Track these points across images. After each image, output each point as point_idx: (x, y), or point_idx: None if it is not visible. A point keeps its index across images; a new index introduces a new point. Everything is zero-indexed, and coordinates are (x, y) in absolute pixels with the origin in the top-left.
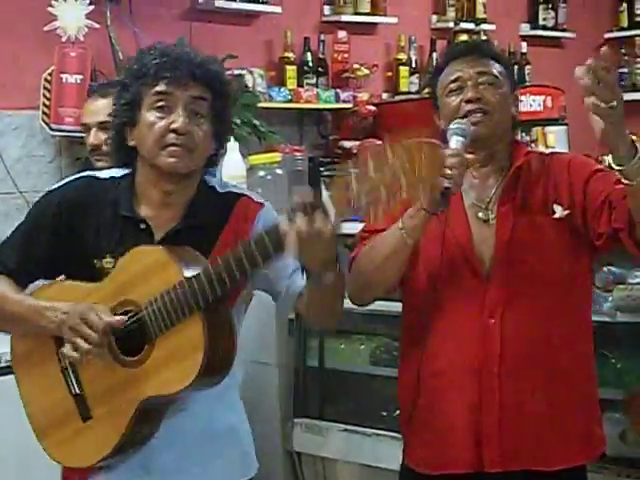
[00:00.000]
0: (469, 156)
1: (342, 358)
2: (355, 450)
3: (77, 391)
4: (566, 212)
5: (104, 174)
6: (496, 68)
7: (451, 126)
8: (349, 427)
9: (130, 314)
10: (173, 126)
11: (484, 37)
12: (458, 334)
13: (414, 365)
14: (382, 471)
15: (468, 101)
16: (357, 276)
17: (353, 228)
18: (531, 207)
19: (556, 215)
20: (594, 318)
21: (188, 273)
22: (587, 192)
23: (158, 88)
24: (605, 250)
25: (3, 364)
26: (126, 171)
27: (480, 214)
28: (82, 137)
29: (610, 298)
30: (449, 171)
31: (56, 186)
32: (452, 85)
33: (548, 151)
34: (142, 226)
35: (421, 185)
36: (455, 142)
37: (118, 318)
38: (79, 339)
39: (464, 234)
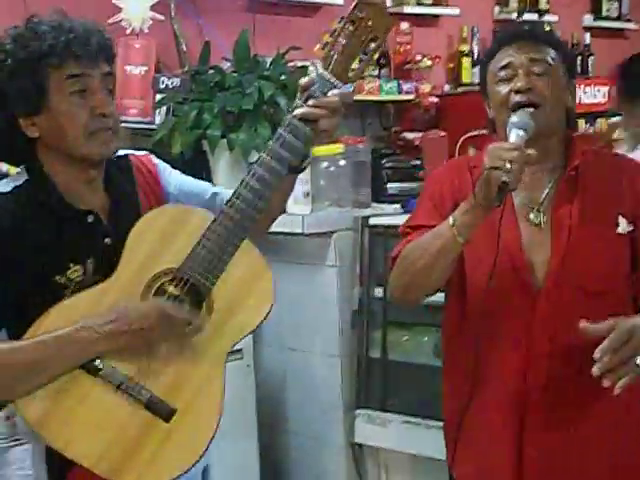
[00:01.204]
0: (530, 151)
1: (405, 350)
2: (417, 442)
3: (149, 394)
4: (630, 228)
5: (5, 187)
6: (551, 55)
7: (512, 119)
8: (411, 419)
9: (173, 284)
10: (100, 110)
11: (547, 28)
12: (503, 358)
13: (459, 385)
14: (443, 463)
15: (518, 91)
16: (400, 275)
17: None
18: (591, 215)
19: (619, 230)
20: None
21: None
22: None
23: (73, 70)
24: None
25: None
26: (19, 173)
27: (532, 216)
28: (146, 129)
29: None
30: (508, 165)
31: None
32: (502, 73)
33: (615, 151)
34: (90, 219)
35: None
36: (515, 136)
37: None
38: (167, 333)
39: (513, 238)
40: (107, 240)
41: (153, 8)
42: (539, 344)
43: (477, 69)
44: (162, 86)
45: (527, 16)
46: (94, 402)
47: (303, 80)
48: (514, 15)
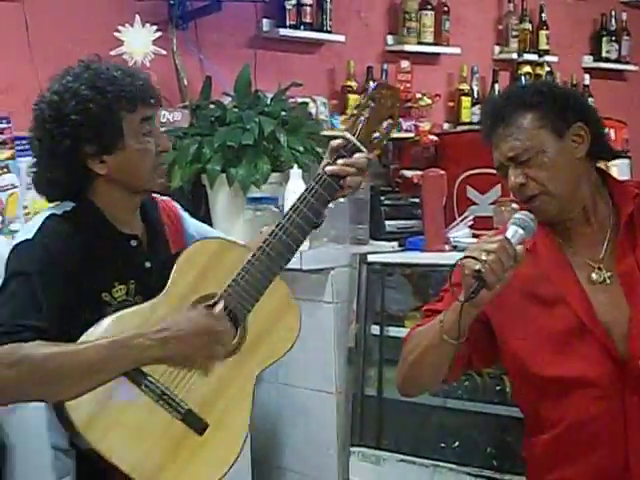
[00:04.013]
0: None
1: None
2: None
3: (186, 407)
4: None
5: (57, 210)
6: (530, 124)
7: (516, 215)
8: (406, 457)
9: (215, 307)
10: (162, 148)
11: (547, 69)
12: (587, 431)
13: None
14: None
15: (515, 189)
16: (401, 363)
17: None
18: None
19: None
20: None
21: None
22: None
23: (145, 114)
24: None
25: None
26: (63, 202)
27: (594, 276)
28: None
29: None
30: (484, 256)
31: (34, 232)
32: (500, 171)
33: None
34: (133, 243)
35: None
36: (512, 232)
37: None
38: (219, 338)
39: (580, 300)
40: (147, 264)
41: (155, 42)
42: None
43: (476, 108)
44: (163, 120)
45: (527, 56)
46: (136, 410)
47: (334, 142)
48: (514, 55)
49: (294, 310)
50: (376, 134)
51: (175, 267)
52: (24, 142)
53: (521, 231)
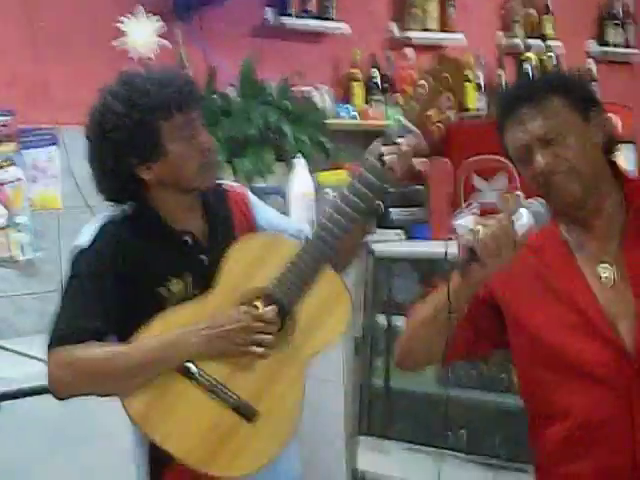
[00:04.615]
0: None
1: (408, 378)
2: (419, 469)
3: (237, 398)
4: None
5: (115, 214)
6: (557, 106)
7: (530, 202)
8: (413, 446)
9: (264, 300)
10: (206, 146)
11: (551, 54)
12: (595, 433)
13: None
14: None
15: (542, 173)
16: (400, 335)
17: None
18: None
19: None
20: None
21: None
22: None
23: (180, 119)
24: None
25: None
26: (119, 206)
27: (599, 270)
28: None
29: None
30: (481, 229)
31: (90, 239)
32: (520, 154)
33: None
34: (187, 239)
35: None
36: (519, 214)
37: (269, 308)
38: (257, 335)
39: (585, 296)
40: (203, 258)
41: (159, 34)
42: None
43: (482, 95)
44: None
45: (531, 42)
46: (188, 401)
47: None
48: (518, 40)
49: (345, 300)
50: (434, 112)
51: (224, 261)
52: (28, 135)
53: (530, 216)
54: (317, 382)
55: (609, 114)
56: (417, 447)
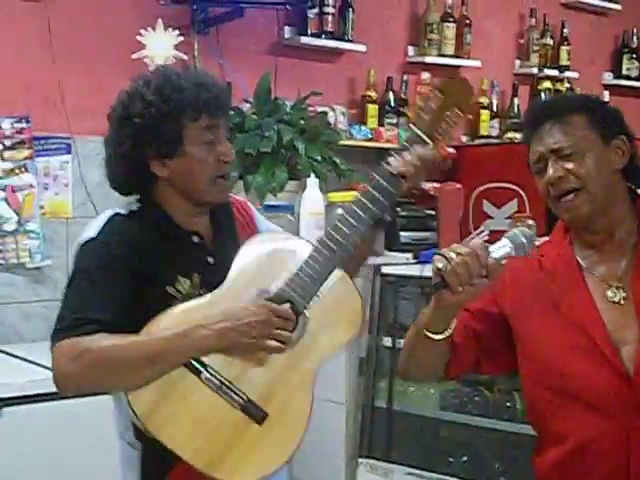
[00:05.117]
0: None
1: (411, 401)
2: None
3: (246, 397)
4: None
5: (123, 209)
6: (578, 125)
7: (512, 230)
8: (415, 470)
9: (276, 299)
10: (225, 158)
11: (567, 85)
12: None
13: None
14: None
15: (551, 183)
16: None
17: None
18: None
19: None
20: None
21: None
22: None
23: (207, 122)
24: None
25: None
26: (132, 201)
27: (609, 293)
28: None
29: None
30: (453, 255)
31: (97, 231)
32: (536, 166)
33: None
34: (195, 239)
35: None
36: (498, 243)
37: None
38: (275, 330)
39: (591, 319)
40: (210, 259)
41: (176, 47)
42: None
43: (495, 122)
44: None
45: (547, 71)
46: (196, 401)
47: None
48: (534, 70)
49: (356, 301)
50: (443, 125)
51: (236, 260)
52: (42, 142)
53: (509, 245)
54: (319, 401)
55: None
56: (418, 472)
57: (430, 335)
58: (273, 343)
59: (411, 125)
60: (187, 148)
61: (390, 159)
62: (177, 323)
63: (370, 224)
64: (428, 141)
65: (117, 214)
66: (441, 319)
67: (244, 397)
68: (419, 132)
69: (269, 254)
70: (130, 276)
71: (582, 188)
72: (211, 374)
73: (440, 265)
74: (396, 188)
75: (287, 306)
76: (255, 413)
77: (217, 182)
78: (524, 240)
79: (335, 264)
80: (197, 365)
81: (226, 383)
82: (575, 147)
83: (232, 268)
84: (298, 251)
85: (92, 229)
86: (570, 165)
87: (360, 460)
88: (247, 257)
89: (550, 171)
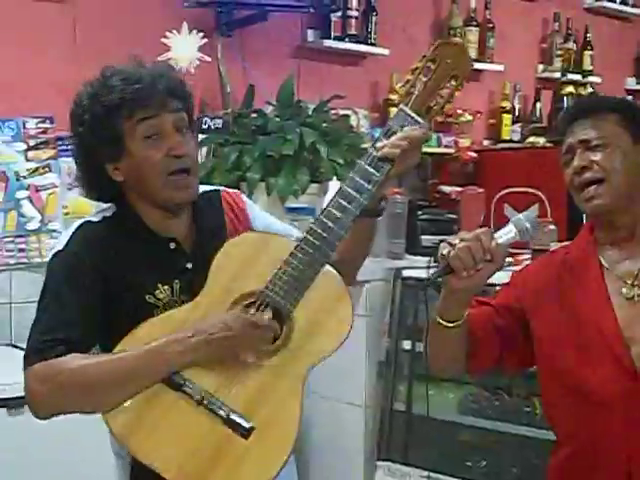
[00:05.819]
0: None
1: (430, 404)
2: None
3: (229, 410)
4: None
5: (95, 217)
6: (610, 122)
7: (518, 215)
8: (432, 474)
9: (257, 304)
10: (174, 152)
11: (590, 89)
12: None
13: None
14: None
15: (576, 172)
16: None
17: None
18: None
19: None
20: None
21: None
22: None
23: (142, 115)
24: None
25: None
26: (108, 207)
27: (624, 290)
28: None
29: None
30: (457, 241)
31: (64, 244)
32: (565, 157)
33: None
34: (172, 245)
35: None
36: (504, 228)
37: (263, 312)
38: (251, 341)
39: (604, 314)
40: (188, 265)
41: (200, 49)
42: None
43: (517, 126)
44: (204, 126)
45: (570, 76)
46: (176, 416)
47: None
48: (557, 74)
49: (345, 301)
50: (436, 100)
51: (213, 264)
52: (66, 142)
53: (514, 231)
54: (339, 404)
55: None
56: (436, 475)
57: (443, 323)
58: (250, 355)
59: (401, 105)
60: (130, 147)
61: (377, 143)
62: (154, 336)
63: (357, 215)
64: (420, 120)
65: (88, 222)
66: (452, 307)
67: (227, 410)
68: (409, 111)
69: (247, 254)
70: (103, 284)
71: (605, 180)
72: (190, 388)
73: (444, 251)
74: (382, 173)
75: (268, 313)
76: (240, 427)
77: (171, 179)
78: (527, 225)
79: (321, 261)
80: (177, 379)
81: (207, 397)
82: (603, 139)
83: (210, 271)
84: (280, 249)
85: (62, 240)
86: (596, 156)
87: (378, 463)
88: (226, 258)
89: (576, 161)
